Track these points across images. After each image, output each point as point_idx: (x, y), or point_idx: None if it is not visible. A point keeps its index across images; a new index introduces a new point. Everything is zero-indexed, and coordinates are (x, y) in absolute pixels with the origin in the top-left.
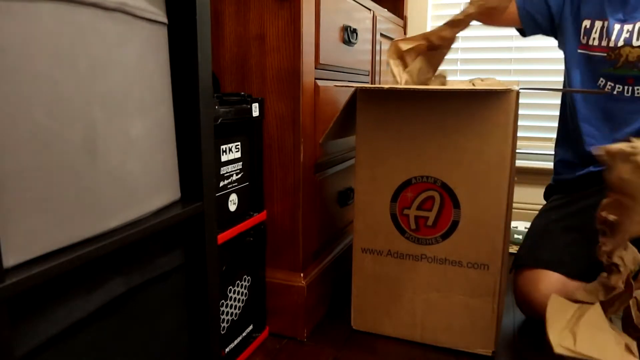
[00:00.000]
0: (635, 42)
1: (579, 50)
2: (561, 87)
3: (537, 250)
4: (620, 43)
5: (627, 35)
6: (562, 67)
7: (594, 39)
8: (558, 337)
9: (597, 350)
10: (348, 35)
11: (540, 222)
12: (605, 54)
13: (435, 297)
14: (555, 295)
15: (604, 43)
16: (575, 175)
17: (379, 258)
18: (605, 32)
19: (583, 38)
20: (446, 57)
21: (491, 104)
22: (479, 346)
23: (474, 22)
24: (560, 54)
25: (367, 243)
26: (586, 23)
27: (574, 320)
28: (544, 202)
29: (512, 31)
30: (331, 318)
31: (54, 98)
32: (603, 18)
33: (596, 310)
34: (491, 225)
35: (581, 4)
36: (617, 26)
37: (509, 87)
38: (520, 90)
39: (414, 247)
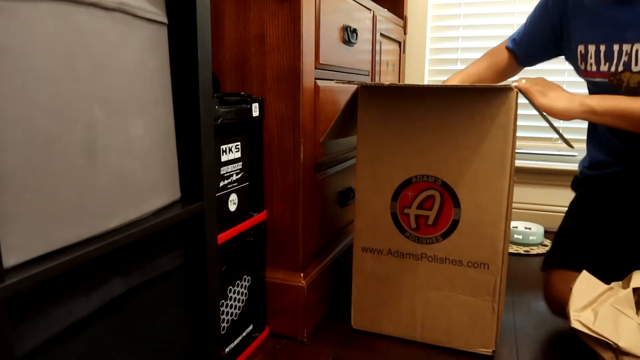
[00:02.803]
0: (634, 67)
1: (583, 76)
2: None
3: (568, 251)
4: (620, 68)
5: (626, 59)
6: (562, 66)
7: (590, 64)
8: (578, 312)
9: (614, 333)
10: (348, 35)
11: (571, 221)
12: (607, 80)
13: (435, 296)
14: (587, 274)
15: (603, 68)
16: (601, 173)
17: (379, 257)
18: (604, 56)
19: (581, 64)
20: (446, 56)
21: (492, 102)
22: (479, 345)
23: (472, 22)
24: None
25: (368, 242)
26: (581, 48)
27: (601, 301)
28: (544, 202)
29: (513, 30)
30: (331, 318)
31: (54, 98)
32: (596, 42)
33: (627, 296)
34: (491, 224)
35: (572, 30)
36: (616, 47)
37: (509, 85)
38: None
39: (414, 246)
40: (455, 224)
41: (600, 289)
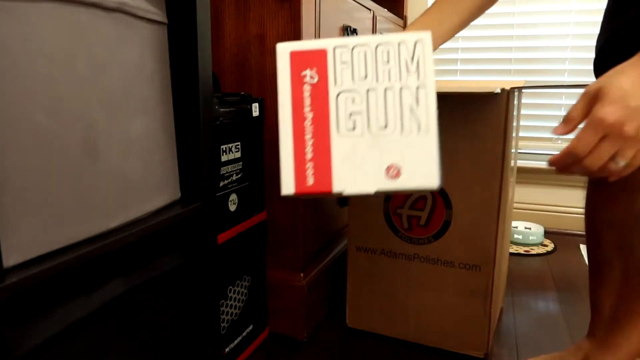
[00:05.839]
0: None
1: None
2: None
3: None
4: None
5: None
6: (561, 67)
7: None
8: None
9: None
10: (348, 35)
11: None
12: None
13: (428, 297)
14: None
15: None
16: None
17: (373, 257)
18: None
19: None
20: (446, 56)
21: (483, 105)
22: (471, 348)
23: (472, 22)
24: (560, 55)
25: (362, 242)
26: None
27: None
28: (544, 202)
29: (512, 31)
30: (331, 318)
31: (54, 98)
32: None
33: None
34: (483, 226)
35: None
36: None
37: (494, 90)
38: (520, 90)
39: (407, 246)
40: (446, 225)
41: None
